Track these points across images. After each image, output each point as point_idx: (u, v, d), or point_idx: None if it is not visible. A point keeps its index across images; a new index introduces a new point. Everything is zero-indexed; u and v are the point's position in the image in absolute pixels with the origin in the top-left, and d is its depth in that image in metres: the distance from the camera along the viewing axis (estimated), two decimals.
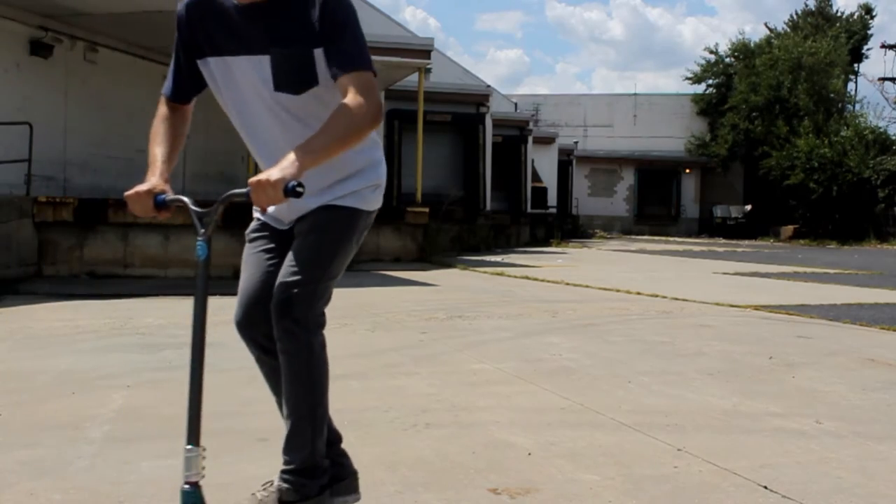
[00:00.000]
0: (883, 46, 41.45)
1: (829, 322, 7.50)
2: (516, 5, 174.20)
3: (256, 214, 2.58)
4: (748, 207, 42.49)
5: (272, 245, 2.50)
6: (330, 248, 2.38)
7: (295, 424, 2.36)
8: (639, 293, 9.89)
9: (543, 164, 32.52)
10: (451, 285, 10.64)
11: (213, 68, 2.37)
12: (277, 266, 2.42)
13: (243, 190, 2.25)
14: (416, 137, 16.30)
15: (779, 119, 38.94)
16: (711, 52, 46.98)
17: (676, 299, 9.26)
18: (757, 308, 8.48)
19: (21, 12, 11.41)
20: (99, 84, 13.08)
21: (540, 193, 31.22)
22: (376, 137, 2.47)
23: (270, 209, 2.30)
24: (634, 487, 2.86)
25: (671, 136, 46.43)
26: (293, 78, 2.27)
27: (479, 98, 23.43)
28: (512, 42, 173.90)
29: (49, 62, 12.03)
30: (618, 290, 10.19)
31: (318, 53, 2.26)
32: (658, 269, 15.71)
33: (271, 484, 2.38)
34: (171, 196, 2.38)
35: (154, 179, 2.33)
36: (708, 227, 42.95)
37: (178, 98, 2.52)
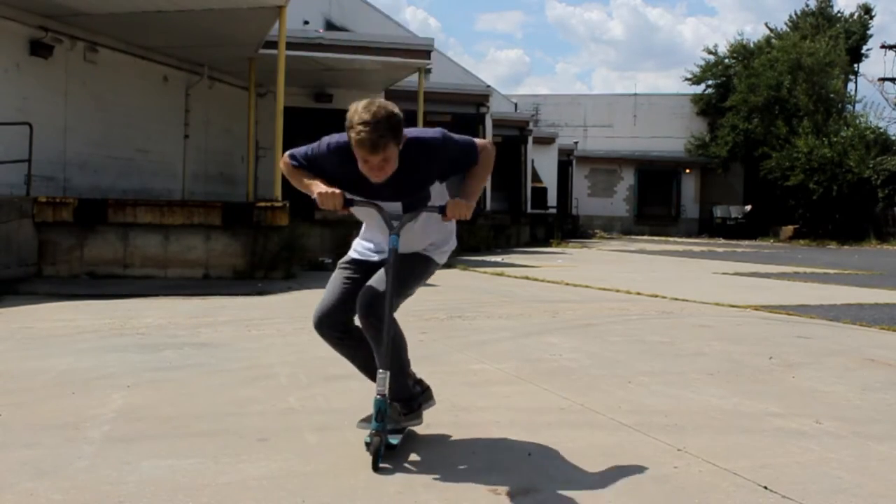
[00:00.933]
0: (883, 47, 41.44)
1: (829, 322, 7.50)
2: (516, 5, 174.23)
3: (353, 255, 3.48)
4: (748, 208, 42.48)
5: (357, 276, 3.37)
6: (410, 277, 3.33)
7: (393, 377, 3.17)
8: (639, 293, 9.89)
9: (543, 164, 32.51)
10: (451, 285, 10.64)
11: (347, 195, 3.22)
12: (353, 288, 3.31)
13: (438, 205, 3.21)
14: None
15: (778, 119, 38.93)
16: (710, 52, 46.99)
17: (676, 299, 9.26)
18: (757, 308, 8.48)
19: (21, 12, 11.41)
20: (99, 84, 13.08)
21: (540, 193, 31.20)
22: (453, 228, 3.49)
23: (380, 246, 3.36)
24: (634, 487, 2.86)
25: (671, 137, 46.42)
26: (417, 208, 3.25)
27: (479, 98, 23.42)
28: (512, 42, 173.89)
29: (49, 62, 12.03)
30: (618, 291, 10.19)
31: (434, 186, 3.30)
32: (658, 269, 15.71)
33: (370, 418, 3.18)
34: (358, 198, 3.21)
35: (334, 187, 3.17)
36: (708, 227, 42.94)
37: (301, 168, 3.29)
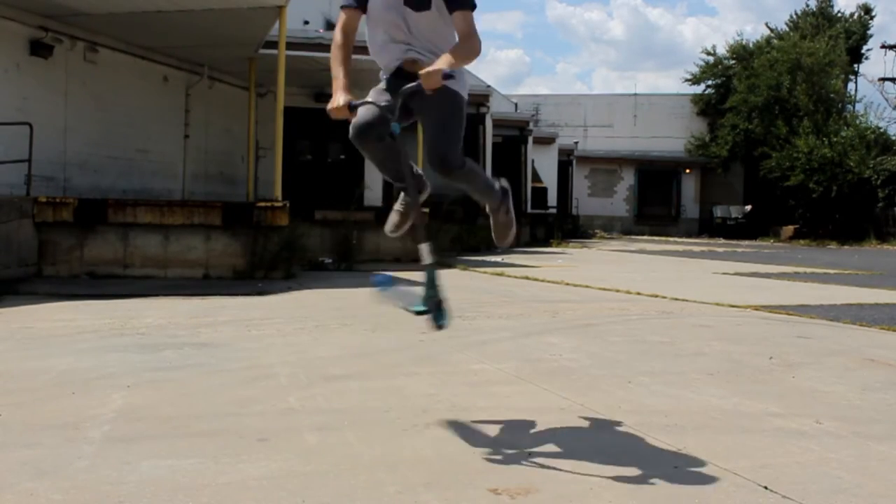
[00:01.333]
0: (883, 47, 41.49)
1: (830, 322, 7.50)
2: (516, 5, 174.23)
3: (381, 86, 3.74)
4: (748, 208, 42.49)
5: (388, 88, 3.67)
6: (452, 121, 3.68)
7: (482, 193, 3.98)
8: (639, 293, 9.89)
9: (543, 164, 32.50)
10: (451, 285, 10.60)
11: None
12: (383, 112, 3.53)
13: (414, 83, 3.35)
14: (416, 138, 16.29)
15: (778, 119, 38.94)
16: (709, 53, 47.00)
17: (676, 299, 9.26)
18: (757, 308, 8.48)
19: (21, 12, 11.41)
20: (99, 84, 13.08)
21: (540, 193, 31.19)
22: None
23: (409, 53, 3.65)
24: (634, 487, 2.86)
25: (671, 137, 46.43)
26: (416, 3, 3.52)
27: (479, 98, 23.38)
28: (512, 42, 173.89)
29: (49, 62, 12.04)
30: (618, 291, 10.19)
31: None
32: (658, 269, 15.71)
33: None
34: (359, 101, 3.51)
35: (345, 94, 3.47)
36: (708, 227, 42.94)
37: (360, 4, 3.68)
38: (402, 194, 3.88)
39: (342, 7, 3.69)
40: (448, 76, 3.29)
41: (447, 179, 3.58)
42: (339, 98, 3.44)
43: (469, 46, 3.46)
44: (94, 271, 10.37)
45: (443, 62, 3.33)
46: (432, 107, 3.52)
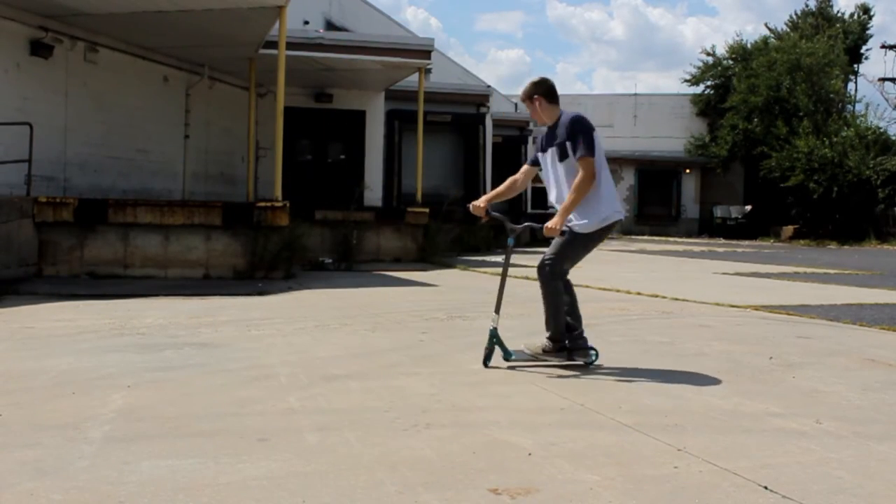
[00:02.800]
0: (883, 47, 41.45)
1: (830, 322, 7.50)
2: (517, 5, 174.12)
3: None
4: (748, 208, 42.47)
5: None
6: (559, 246, 5.20)
7: (547, 317, 5.23)
8: (639, 293, 9.89)
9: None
10: (451, 285, 10.64)
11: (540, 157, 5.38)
12: None
13: (539, 225, 5.09)
14: (416, 138, 16.31)
15: (778, 119, 38.92)
16: (709, 53, 46.99)
17: (676, 299, 9.26)
18: (757, 308, 8.48)
19: (21, 12, 11.41)
20: (99, 84, 13.08)
21: (540, 193, 31.18)
22: (608, 194, 5.17)
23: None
24: (634, 487, 2.86)
25: (671, 137, 46.42)
26: (562, 156, 5.09)
27: (480, 98, 23.41)
28: (513, 42, 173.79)
29: (49, 62, 12.04)
30: (618, 291, 10.19)
31: (569, 146, 5.03)
32: (658, 269, 15.71)
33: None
34: (494, 213, 5.34)
35: (483, 199, 5.32)
36: (708, 227, 42.93)
37: (534, 164, 5.46)
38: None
39: (527, 163, 5.51)
40: (561, 231, 5.07)
41: (539, 278, 5.27)
42: (480, 201, 5.27)
43: (580, 184, 5.00)
44: (95, 271, 10.37)
45: (561, 216, 5.09)
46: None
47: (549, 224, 4.83)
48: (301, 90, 17.53)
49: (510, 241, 5.10)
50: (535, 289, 11.41)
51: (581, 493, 2.79)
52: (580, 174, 4.87)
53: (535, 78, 5.14)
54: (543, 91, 5.08)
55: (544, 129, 5.24)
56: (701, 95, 46.77)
